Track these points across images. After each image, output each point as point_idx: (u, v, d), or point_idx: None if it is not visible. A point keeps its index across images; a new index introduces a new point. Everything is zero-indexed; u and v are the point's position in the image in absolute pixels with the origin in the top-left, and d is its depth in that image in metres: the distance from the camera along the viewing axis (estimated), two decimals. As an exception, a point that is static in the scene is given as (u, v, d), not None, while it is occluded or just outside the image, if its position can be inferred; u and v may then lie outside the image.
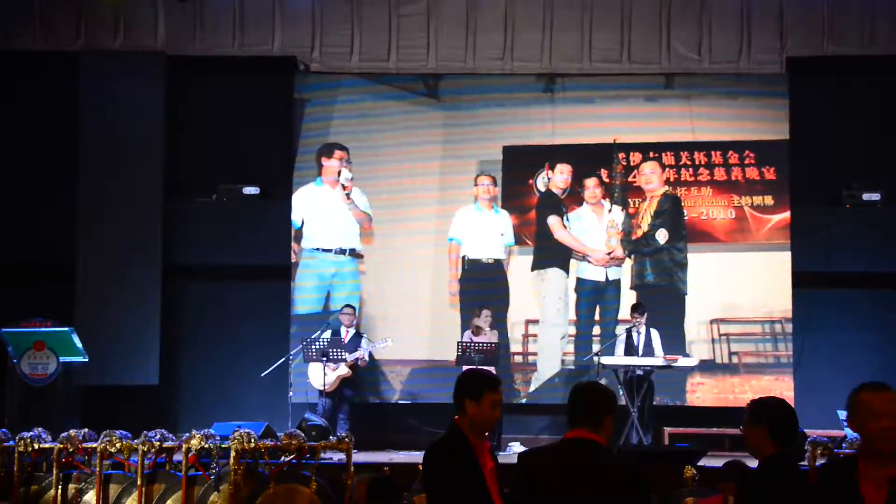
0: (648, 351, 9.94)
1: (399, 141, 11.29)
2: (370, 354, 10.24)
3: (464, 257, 11.22)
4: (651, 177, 11.19)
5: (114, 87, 11.12)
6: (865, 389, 3.41)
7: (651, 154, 11.21)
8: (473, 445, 3.93)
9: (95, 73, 11.17)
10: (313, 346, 9.85)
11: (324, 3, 11.29)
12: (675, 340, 10.78)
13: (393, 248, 11.23)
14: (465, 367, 9.79)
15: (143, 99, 11.14)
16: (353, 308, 10.20)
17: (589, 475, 3.44)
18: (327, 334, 10.06)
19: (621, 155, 11.22)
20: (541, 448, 3.73)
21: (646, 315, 10.11)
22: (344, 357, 9.85)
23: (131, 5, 11.17)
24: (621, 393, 9.73)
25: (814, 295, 11.14)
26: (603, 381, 10.03)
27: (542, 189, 11.28)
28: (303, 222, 11.24)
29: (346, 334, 10.04)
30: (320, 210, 11.28)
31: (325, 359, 9.76)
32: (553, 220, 11.20)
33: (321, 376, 9.97)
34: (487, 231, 11.22)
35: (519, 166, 11.31)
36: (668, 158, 11.22)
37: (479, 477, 3.88)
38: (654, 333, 10.11)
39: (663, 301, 11.04)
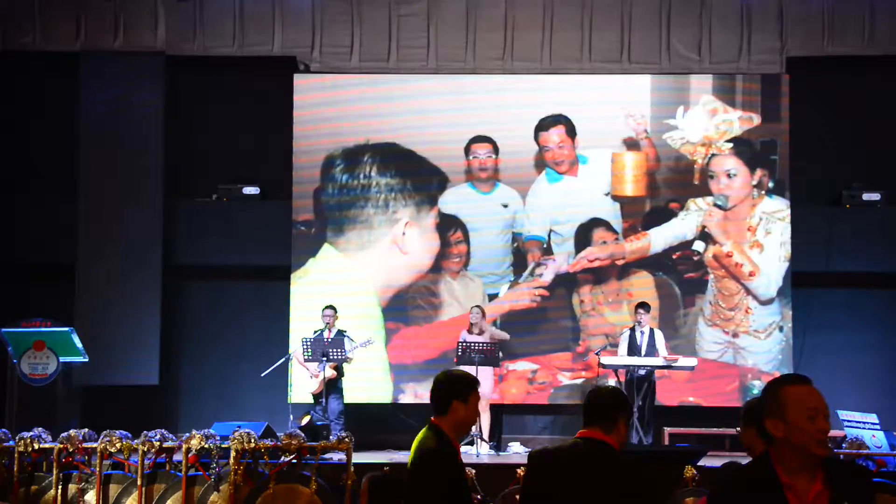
0: (651, 351, 9.89)
1: (399, 140, 11.26)
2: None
3: (468, 255, 11.19)
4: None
5: (114, 87, 11.13)
6: (793, 383, 2.89)
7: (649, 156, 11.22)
8: (456, 449, 3.95)
9: (95, 73, 11.18)
10: (311, 346, 9.81)
11: (324, 3, 11.29)
12: (677, 340, 10.75)
13: (395, 247, 11.17)
14: (461, 367, 9.80)
15: (143, 99, 11.14)
16: (334, 309, 10.13)
17: (597, 476, 3.46)
18: (311, 335, 10.02)
19: (616, 155, 11.19)
20: (552, 447, 3.74)
21: (649, 314, 10.08)
22: (344, 356, 9.82)
23: (131, 5, 11.20)
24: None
25: (814, 295, 11.14)
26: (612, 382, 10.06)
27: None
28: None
29: (329, 334, 9.99)
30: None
31: (324, 359, 9.75)
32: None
33: (309, 381, 9.96)
34: (489, 230, 11.21)
35: (520, 167, 11.27)
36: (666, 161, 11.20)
37: (466, 481, 3.90)
38: (658, 334, 10.03)
39: (666, 300, 11.01)
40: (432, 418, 3.97)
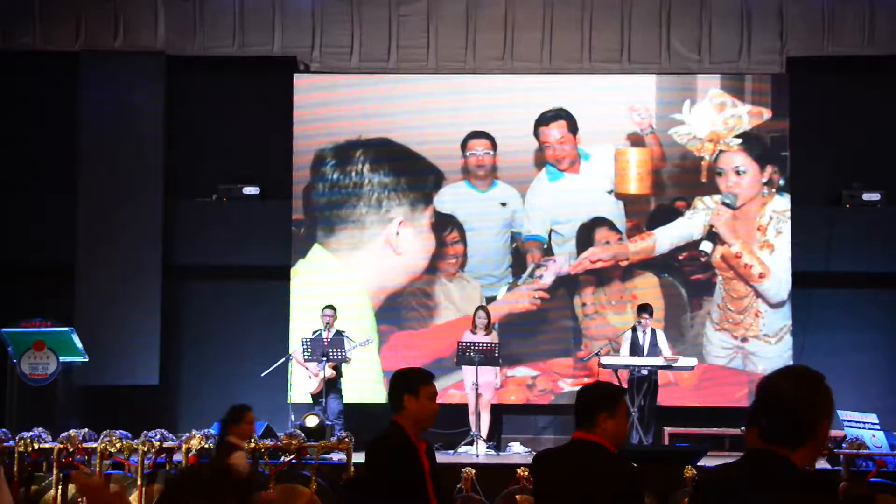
0: (654, 351, 9.83)
1: (399, 140, 11.20)
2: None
3: (465, 256, 11.08)
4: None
5: (114, 87, 11.13)
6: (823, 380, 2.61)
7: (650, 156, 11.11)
8: (415, 445, 3.96)
9: (95, 73, 11.18)
10: (311, 346, 9.80)
11: (324, 3, 11.29)
12: (683, 345, 10.55)
13: (388, 248, 11.01)
14: (462, 367, 9.77)
15: (143, 99, 11.14)
16: (334, 309, 10.08)
17: (582, 476, 3.48)
18: (309, 335, 9.98)
19: (620, 152, 11.10)
20: (551, 449, 3.81)
21: (652, 317, 9.98)
22: (344, 356, 9.81)
23: (131, 5, 11.20)
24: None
25: (814, 295, 11.12)
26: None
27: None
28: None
29: (328, 334, 9.96)
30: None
31: (324, 359, 9.74)
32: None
33: (309, 381, 9.94)
34: (487, 229, 11.11)
35: (519, 165, 11.16)
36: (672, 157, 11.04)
37: (421, 476, 3.94)
38: (660, 333, 9.93)
39: (672, 303, 10.88)
40: (392, 417, 4.07)
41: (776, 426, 2.53)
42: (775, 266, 10.83)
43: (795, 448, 2.52)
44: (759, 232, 10.89)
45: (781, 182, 10.92)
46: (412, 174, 11.13)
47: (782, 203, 10.90)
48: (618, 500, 3.43)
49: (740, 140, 10.97)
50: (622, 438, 3.63)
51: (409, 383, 4.05)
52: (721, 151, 10.97)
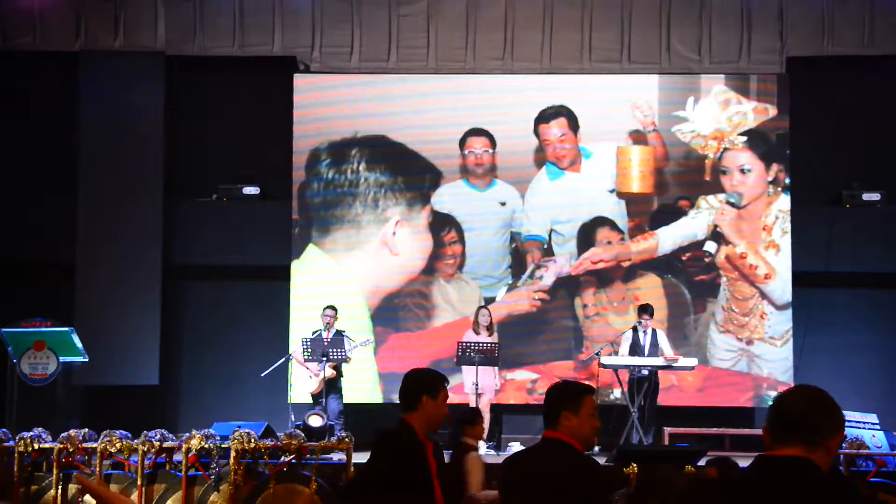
0: (654, 351, 9.79)
1: (399, 140, 11.19)
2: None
3: (463, 256, 11.03)
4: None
5: (114, 87, 11.13)
6: None
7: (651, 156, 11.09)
8: (424, 444, 4.00)
9: (95, 73, 11.18)
10: (311, 346, 9.79)
11: (324, 3, 11.29)
12: (686, 347, 10.51)
13: (384, 248, 10.99)
14: (462, 367, 9.75)
15: (143, 99, 11.15)
16: (335, 309, 10.05)
17: (546, 474, 3.51)
18: (309, 335, 9.96)
19: (622, 150, 11.07)
20: (520, 451, 3.83)
21: (653, 318, 9.94)
22: (344, 356, 9.80)
23: (131, 5, 11.21)
24: (618, 393, 9.68)
25: (814, 295, 11.11)
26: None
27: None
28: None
29: (328, 334, 9.94)
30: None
31: (325, 359, 9.74)
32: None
33: (309, 381, 9.93)
34: (485, 229, 11.08)
35: (519, 163, 11.11)
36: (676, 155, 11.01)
37: (429, 477, 3.95)
38: (661, 334, 9.89)
39: (675, 305, 10.82)
40: (402, 416, 4.06)
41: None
42: (781, 266, 10.76)
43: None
44: (764, 232, 10.81)
45: (787, 181, 10.85)
46: (409, 173, 11.09)
47: (788, 202, 10.83)
48: (580, 499, 3.44)
49: (745, 138, 10.91)
50: (588, 438, 3.59)
51: (429, 384, 4.06)
52: (725, 149, 10.91)
